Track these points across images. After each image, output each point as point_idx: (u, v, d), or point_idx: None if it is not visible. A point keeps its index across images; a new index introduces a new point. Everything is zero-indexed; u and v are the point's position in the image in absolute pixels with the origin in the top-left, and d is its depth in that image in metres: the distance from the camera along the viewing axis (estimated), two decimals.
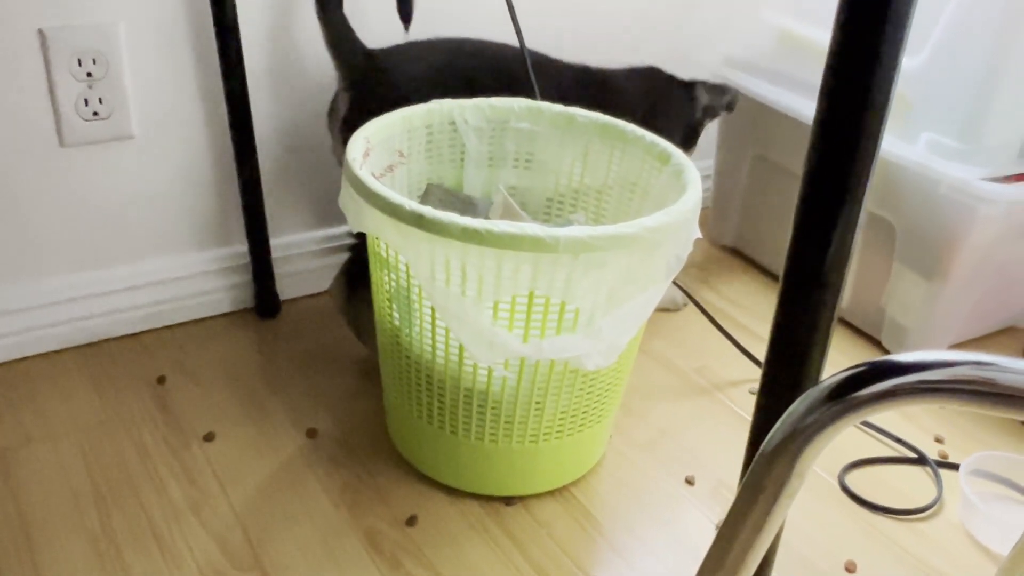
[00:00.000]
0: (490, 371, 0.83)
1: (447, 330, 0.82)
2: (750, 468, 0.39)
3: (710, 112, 1.27)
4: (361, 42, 1.04)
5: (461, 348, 0.82)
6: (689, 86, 1.24)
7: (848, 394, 0.35)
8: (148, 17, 1.02)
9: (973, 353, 0.35)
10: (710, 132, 1.47)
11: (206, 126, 1.11)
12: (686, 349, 1.21)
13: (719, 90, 1.26)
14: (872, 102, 0.38)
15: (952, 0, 1.11)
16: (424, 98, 1.00)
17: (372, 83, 1.03)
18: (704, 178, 1.53)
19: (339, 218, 1.25)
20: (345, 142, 1.05)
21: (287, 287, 1.23)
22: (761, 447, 0.38)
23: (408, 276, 0.82)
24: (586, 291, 0.77)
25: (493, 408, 0.85)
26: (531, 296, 0.77)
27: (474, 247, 0.74)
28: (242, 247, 1.18)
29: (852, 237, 0.43)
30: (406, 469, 0.96)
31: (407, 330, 0.86)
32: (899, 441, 1.06)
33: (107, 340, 1.13)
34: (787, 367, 0.47)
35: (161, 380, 1.07)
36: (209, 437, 0.98)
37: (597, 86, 1.16)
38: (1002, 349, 1.28)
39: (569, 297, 0.77)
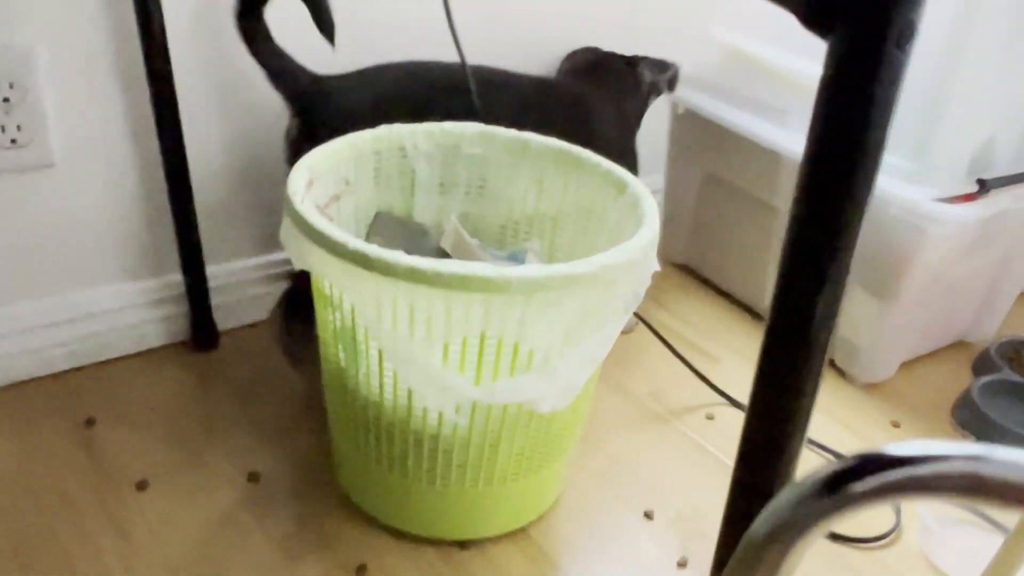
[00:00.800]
0: (441, 415, 0.79)
1: (395, 373, 0.78)
2: (734, 556, 0.36)
3: (654, 89, 1.26)
4: (304, 69, 0.99)
5: (410, 391, 0.78)
6: (632, 62, 1.23)
7: (836, 490, 0.33)
8: (69, 38, 0.96)
9: (964, 445, 0.33)
10: (659, 147, 1.46)
11: (134, 151, 1.05)
12: (639, 373, 1.19)
13: (661, 66, 1.25)
14: (866, 142, 0.35)
15: None
16: (373, 123, 0.96)
17: (319, 109, 0.99)
18: (654, 192, 1.51)
19: (279, 244, 1.20)
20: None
21: (225, 317, 1.17)
22: (745, 538, 0.35)
23: (353, 316, 0.78)
24: (541, 331, 0.73)
25: (445, 452, 0.81)
26: (483, 337, 0.74)
27: (422, 288, 0.70)
28: (176, 276, 1.12)
29: (842, 291, 0.40)
30: (355, 513, 0.91)
31: (354, 371, 0.82)
32: None
33: (28, 380, 1.06)
34: (769, 429, 0.44)
35: (89, 423, 1.00)
36: (142, 485, 0.92)
37: (557, 95, 1.14)
38: (951, 364, 1.28)
39: (523, 338, 0.74)
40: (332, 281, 0.76)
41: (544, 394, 0.76)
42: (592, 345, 0.77)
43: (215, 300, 1.14)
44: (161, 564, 0.84)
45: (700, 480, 1.02)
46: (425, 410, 0.79)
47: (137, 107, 1.03)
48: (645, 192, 0.86)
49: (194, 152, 1.07)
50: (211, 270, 1.13)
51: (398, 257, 0.69)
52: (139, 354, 1.12)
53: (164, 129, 1.03)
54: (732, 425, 1.11)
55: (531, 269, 0.70)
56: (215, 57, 1.06)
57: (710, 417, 1.12)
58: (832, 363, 1.25)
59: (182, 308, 1.14)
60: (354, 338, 0.79)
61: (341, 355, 0.83)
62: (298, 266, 0.78)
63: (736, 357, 1.25)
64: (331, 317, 0.81)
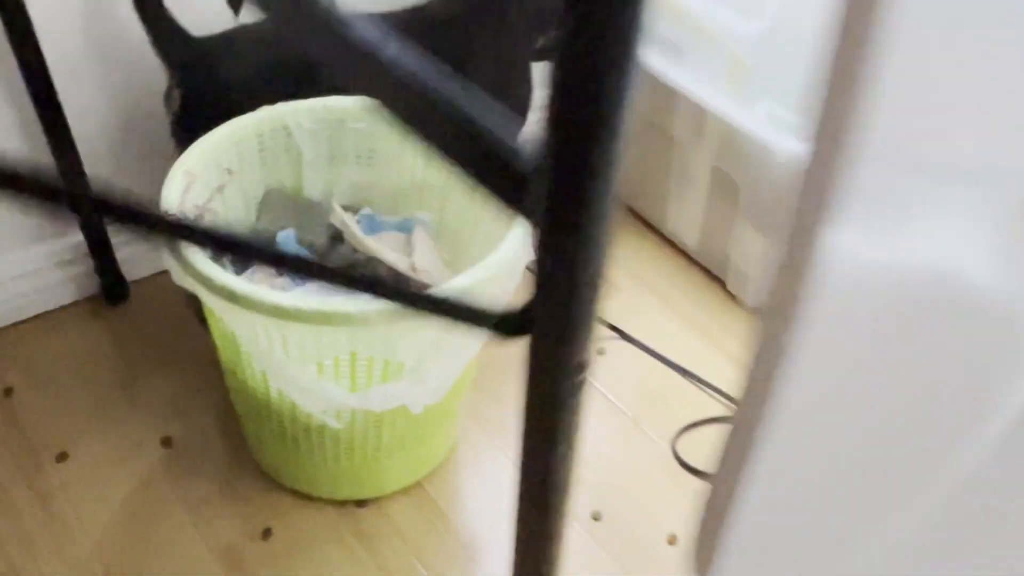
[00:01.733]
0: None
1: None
2: None
3: None
4: (187, 34, 0.95)
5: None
6: None
7: None
8: None
9: None
10: None
11: (12, 115, 1.03)
12: None
13: None
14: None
15: None
16: (260, 92, 0.94)
17: (201, 79, 0.96)
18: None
19: None
20: (180, 140, 0.99)
21: (133, 268, 1.19)
22: None
23: (235, 334, 0.81)
24: (408, 348, 0.78)
25: (332, 439, 0.88)
26: (354, 356, 0.78)
27: (288, 323, 0.73)
28: (78, 236, 1.13)
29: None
30: (263, 476, 0.99)
31: (242, 373, 0.87)
32: (735, 401, 1.13)
33: None
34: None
35: (8, 392, 1.05)
36: (62, 457, 0.99)
37: (426, 27, 1.07)
38: None
39: (391, 354, 0.78)
40: (209, 304, 0.79)
41: (416, 396, 0.82)
42: (461, 347, 0.82)
43: (120, 253, 1.16)
44: (84, 535, 0.92)
45: (587, 422, 1.10)
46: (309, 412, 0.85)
47: (6, 73, 0.99)
48: None
49: (75, 109, 1.04)
50: (112, 224, 1.14)
51: (261, 294, 0.73)
52: (51, 312, 1.15)
53: (34, 82, 0.99)
54: (622, 360, 1.18)
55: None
56: (89, 12, 1.01)
57: (600, 352, 1.18)
58: (724, 285, 1.31)
59: (89, 264, 1.15)
60: (238, 352, 0.83)
61: (231, 356, 0.87)
62: (178, 283, 0.81)
63: (637, 284, 1.30)
64: (216, 326, 0.85)
